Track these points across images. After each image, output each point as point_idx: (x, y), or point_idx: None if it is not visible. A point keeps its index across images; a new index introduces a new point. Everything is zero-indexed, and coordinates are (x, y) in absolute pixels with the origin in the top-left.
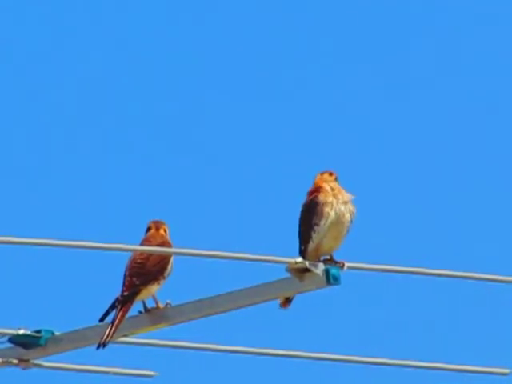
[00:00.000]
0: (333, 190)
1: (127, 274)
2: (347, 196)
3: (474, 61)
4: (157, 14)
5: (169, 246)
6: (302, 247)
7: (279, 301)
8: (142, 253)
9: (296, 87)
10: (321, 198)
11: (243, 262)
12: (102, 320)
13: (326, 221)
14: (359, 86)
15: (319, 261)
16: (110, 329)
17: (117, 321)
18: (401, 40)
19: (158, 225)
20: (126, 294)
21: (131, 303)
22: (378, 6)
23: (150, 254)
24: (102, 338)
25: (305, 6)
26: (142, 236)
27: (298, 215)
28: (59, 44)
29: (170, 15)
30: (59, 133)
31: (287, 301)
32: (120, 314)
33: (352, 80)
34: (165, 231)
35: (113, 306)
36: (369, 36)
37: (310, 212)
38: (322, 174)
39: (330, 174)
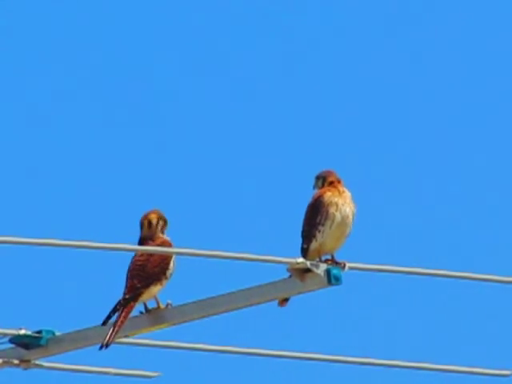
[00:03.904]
0: (342, 192)
1: (128, 276)
2: (352, 205)
3: (474, 60)
4: (154, 14)
5: (169, 245)
6: (305, 246)
7: (277, 299)
8: (142, 254)
9: (298, 86)
10: (326, 197)
11: (244, 262)
12: (104, 324)
13: (332, 222)
14: (360, 85)
15: (320, 261)
16: (113, 330)
17: (119, 322)
18: (401, 39)
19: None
20: (127, 296)
21: (134, 305)
22: (381, 7)
23: (150, 255)
24: (105, 339)
25: (307, 4)
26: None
27: (299, 215)
28: (59, 43)
29: (168, 15)
30: (59, 132)
31: (285, 299)
32: (122, 315)
33: (353, 80)
34: (149, 223)
35: (115, 310)
36: (369, 35)
37: (315, 211)
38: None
39: (331, 180)
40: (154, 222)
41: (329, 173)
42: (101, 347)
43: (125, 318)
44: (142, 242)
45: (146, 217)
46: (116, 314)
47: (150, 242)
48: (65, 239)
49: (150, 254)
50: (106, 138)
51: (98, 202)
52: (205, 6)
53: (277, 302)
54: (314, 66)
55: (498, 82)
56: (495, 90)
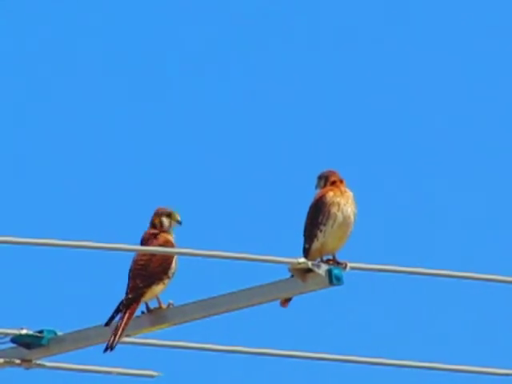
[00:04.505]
0: (345, 192)
1: (130, 275)
2: (353, 205)
3: (473, 60)
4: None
5: (171, 245)
6: (306, 245)
7: (279, 300)
8: (144, 254)
9: (299, 85)
10: (328, 197)
11: (246, 262)
12: (107, 324)
13: (334, 221)
14: (361, 86)
15: (322, 261)
16: (117, 332)
17: (123, 324)
18: (401, 40)
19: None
20: (130, 296)
21: (137, 305)
22: (379, 7)
23: (152, 255)
24: (109, 341)
25: (309, 5)
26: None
27: (301, 215)
28: (61, 43)
29: (168, 15)
30: (59, 132)
31: (287, 299)
32: (126, 316)
33: (354, 80)
34: (154, 223)
35: (117, 310)
36: (369, 35)
37: (317, 211)
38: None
39: (333, 180)
40: (166, 224)
41: (331, 173)
42: (105, 349)
43: (128, 319)
44: (144, 240)
45: (157, 217)
46: (119, 315)
47: (155, 241)
48: (66, 239)
49: (153, 254)
50: (106, 139)
51: (99, 202)
52: (205, 5)
53: (279, 302)
54: (316, 65)
55: (498, 82)
56: (495, 91)
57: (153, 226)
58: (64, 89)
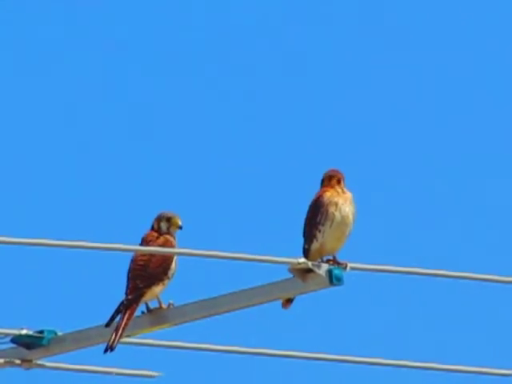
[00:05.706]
0: (343, 192)
1: (130, 276)
2: (352, 205)
3: (473, 60)
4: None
5: (170, 245)
6: (306, 246)
7: (281, 301)
8: (143, 254)
9: (299, 85)
10: (326, 197)
11: (246, 262)
12: (107, 325)
13: (332, 221)
14: (361, 86)
15: (322, 261)
16: (117, 333)
17: (123, 324)
18: (401, 39)
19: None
20: (130, 297)
21: (136, 305)
22: (380, 6)
23: (152, 255)
24: (110, 341)
25: (308, 4)
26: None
27: (300, 215)
28: (63, 43)
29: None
30: (59, 132)
31: (288, 301)
32: (126, 316)
33: (354, 80)
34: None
35: (118, 311)
36: (372, 35)
37: (315, 211)
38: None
39: (330, 180)
40: (164, 229)
41: (329, 172)
42: (105, 350)
43: (128, 319)
44: (144, 241)
45: (157, 221)
46: (119, 315)
47: (155, 242)
48: (66, 239)
49: (152, 254)
50: (106, 139)
51: (99, 203)
52: (205, 5)
53: (280, 303)
54: (316, 65)
55: (498, 82)
56: (495, 91)
57: (152, 229)
58: (64, 88)
